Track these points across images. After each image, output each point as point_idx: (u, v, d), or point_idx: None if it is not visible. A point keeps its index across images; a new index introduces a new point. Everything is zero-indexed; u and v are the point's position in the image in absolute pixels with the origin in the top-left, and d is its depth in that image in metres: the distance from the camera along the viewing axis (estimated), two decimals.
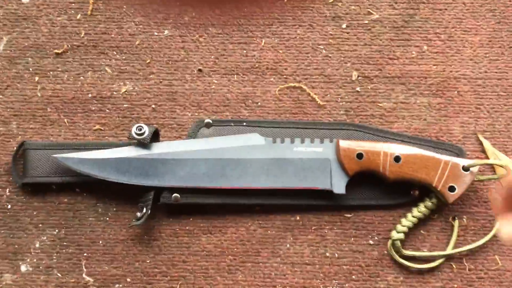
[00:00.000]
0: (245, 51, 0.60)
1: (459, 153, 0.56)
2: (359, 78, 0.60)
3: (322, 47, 0.60)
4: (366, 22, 0.61)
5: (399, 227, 0.54)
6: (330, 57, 0.60)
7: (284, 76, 0.60)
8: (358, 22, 0.61)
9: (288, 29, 0.61)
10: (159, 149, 0.55)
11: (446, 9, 0.61)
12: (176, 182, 0.54)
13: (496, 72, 0.59)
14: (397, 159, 0.53)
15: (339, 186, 0.53)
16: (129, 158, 0.54)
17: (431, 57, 0.60)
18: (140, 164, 0.54)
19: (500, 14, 0.60)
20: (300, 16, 0.61)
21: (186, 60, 0.60)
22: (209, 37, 0.61)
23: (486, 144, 0.57)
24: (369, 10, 0.61)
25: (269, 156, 0.54)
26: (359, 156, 0.53)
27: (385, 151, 0.53)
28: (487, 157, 0.56)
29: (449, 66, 0.59)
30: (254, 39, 0.61)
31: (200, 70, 0.60)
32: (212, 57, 0.60)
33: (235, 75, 0.60)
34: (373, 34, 0.60)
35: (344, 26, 0.61)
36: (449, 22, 0.60)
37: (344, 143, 0.53)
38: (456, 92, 0.59)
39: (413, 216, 0.54)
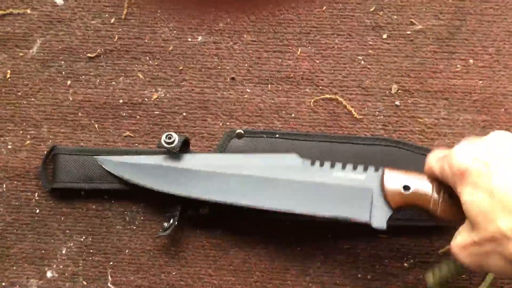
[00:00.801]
0: (280, 60, 0.58)
1: None
2: (399, 91, 0.56)
3: (360, 57, 0.57)
4: (409, 32, 0.57)
5: (436, 273, 0.46)
6: (369, 68, 0.57)
7: (320, 87, 0.57)
8: (400, 33, 0.57)
9: (326, 38, 0.58)
10: (192, 160, 0.52)
11: (494, 21, 0.57)
12: (206, 195, 0.51)
13: None
14: (452, 195, 0.44)
15: (379, 219, 0.46)
16: (162, 166, 0.52)
17: (477, 72, 0.56)
18: (172, 173, 0.52)
19: None
20: (339, 25, 0.58)
21: (219, 67, 0.58)
22: (244, 45, 0.58)
23: None
24: (412, 20, 0.57)
25: (305, 179, 0.49)
26: (406, 188, 0.46)
27: (438, 185, 0.45)
28: None
29: (496, 81, 0.56)
30: (290, 47, 0.58)
31: (233, 78, 0.58)
32: (246, 65, 0.58)
33: (269, 85, 0.58)
34: (416, 45, 0.57)
35: (384, 36, 0.57)
36: (498, 35, 0.56)
37: (389, 172, 0.47)
38: (503, 109, 0.55)
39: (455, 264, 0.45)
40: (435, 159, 0.43)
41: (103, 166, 0.54)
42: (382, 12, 0.58)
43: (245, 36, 0.58)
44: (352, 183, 0.48)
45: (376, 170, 0.48)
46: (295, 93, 0.57)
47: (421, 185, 0.45)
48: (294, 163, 0.50)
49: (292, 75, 0.57)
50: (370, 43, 0.57)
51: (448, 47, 0.56)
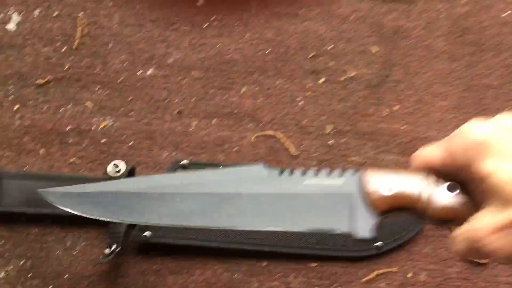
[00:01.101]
0: (225, 97, 0.62)
1: None
2: (333, 131, 0.62)
3: (299, 99, 0.63)
4: (343, 79, 0.63)
5: None
6: (306, 109, 0.62)
7: (261, 124, 0.62)
8: (335, 78, 0.63)
9: (268, 79, 0.63)
10: (143, 182, 0.48)
11: (417, 73, 0.64)
12: (162, 220, 0.45)
13: None
14: (452, 187, 0.38)
15: (362, 228, 0.41)
16: (111, 193, 0.47)
17: (401, 117, 0.62)
18: (122, 199, 0.46)
19: (468, 82, 0.64)
20: (281, 67, 0.63)
21: (167, 100, 0.61)
22: (191, 80, 0.62)
23: None
24: (346, 67, 0.64)
25: (273, 191, 0.43)
26: (390, 189, 0.40)
27: (430, 180, 0.39)
28: None
29: (417, 127, 0.62)
30: (235, 85, 0.62)
31: (180, 111, 0.61)
32: (193, 99, 0.62)
33: (214, 119, 0.61)
34: (349, 90, 0.63)
35: (321, 80, 0.63)
36: (420, 85, 0.63)
37: (370, 173, 0.41)
38: None
39: None
40: (430, 148, 0.39)
41: (47, 199, 0.47)
42: (320, 58, 0.63)
43: (193, 72, 0.62)
44: (327, 190, 0.42)
45: (355, 173, 0.42)
46: (238, 128, 0.61)
47: (409, 183, 0.39)
48: (259, 174, 0.44)
49: (236, 111, 0.62)
50: (309, 86, 0.63)
51: (377, 93, 0.63)
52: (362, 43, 0.64)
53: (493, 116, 0.37)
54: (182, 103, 0.61)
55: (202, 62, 0.62)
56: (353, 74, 0.63)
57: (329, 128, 0.62)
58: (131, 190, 0.46)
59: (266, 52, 0.63)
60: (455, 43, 0.64)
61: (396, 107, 0.62)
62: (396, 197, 0.40)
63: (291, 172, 0.44)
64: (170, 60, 0.62)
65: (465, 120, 0.62)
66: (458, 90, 0.63)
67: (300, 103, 0.62)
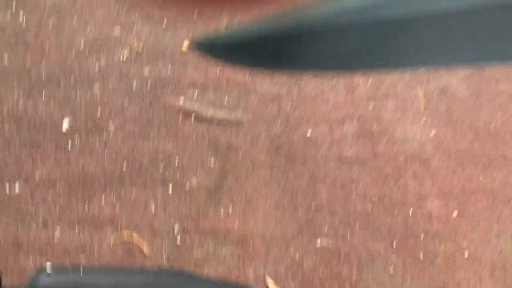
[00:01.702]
0: (87, 205, 0.73)
1: None
2: (180, 232, 0.76)
3: (152, 205, 0.76)
4: (187, 187, 0.78)
5: None
6: (158, 214, 0.76)
7: (119, 229, 0.73)
8: (181, 187, 0.78)
9: (125, 189, 0.75)
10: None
11: (246, 180, 0.82)
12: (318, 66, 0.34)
13: (280, 229, 0.81)
14: None
15: None
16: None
17: (235, 217, 0.79)
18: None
19: (283, 185, 0.83)
20: (135, 179, 0.76)
21: (32, 212, 0.70)
22: (56, 193, 0.72)
23: (271, 284, 0.76)
24: (190, 177, 0.79)
25: None
26: None
27: None
28: None
29: (247, 223, 0.79)
30: (96, 196, 0.74)
31: (45, 222, 0.70)
32: (57, 210, 0.71)
33: (76, 226, 0.72)
34: (192, 196, 0.78)
35: (170, 189, 0.77)
36: (248, 190, 0.81)
37: None
38: (251, 243, 0.78)
39: None
40: None
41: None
42: (169, 170, 0.78)
43: (57, 186, 0.72)
44: None
45: None
46: (98, 233, 0.72)
47: None
48: None
49: (96, 218, 0.72)
50: (159, 194, 0.76)
51: (215, 198, 0.79)
52: (202, 157, 0.80)
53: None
54: (47, 214, 0.70)
55: (66, 177, 0.73)
56: (195, 182, 0.79)
57: (176, 228, 0.75)
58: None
59: (123, 166, 0.76)
60: (273, 155, 0.84)
61: (230, 209, 0.79)
62: None
63: None
64: (36, 176, 0.72)
65: (283, 217, 0.81)
66: (277, 192, 0.82)
67: (152, 210, 0.75)
